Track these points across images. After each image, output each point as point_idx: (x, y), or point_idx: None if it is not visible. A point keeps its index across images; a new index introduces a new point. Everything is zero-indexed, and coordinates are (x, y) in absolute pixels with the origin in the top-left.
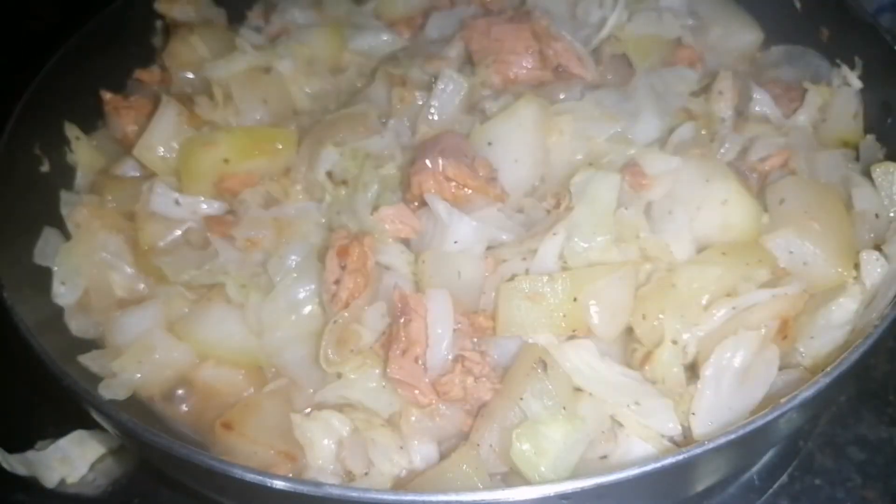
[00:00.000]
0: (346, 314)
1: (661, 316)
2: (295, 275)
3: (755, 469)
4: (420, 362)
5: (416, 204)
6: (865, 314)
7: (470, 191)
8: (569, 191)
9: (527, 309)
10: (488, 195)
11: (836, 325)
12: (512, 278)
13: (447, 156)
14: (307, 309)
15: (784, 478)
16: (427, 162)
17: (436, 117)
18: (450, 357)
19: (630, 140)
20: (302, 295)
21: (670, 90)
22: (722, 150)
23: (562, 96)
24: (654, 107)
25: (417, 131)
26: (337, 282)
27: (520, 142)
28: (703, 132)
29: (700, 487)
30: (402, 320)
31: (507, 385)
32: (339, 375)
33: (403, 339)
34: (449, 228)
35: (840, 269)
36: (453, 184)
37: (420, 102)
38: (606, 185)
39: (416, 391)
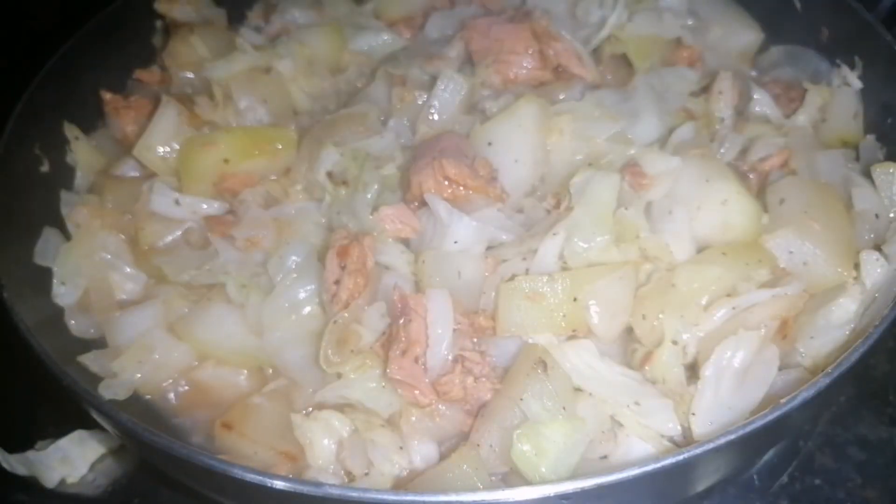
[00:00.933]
0: (346, 314)
1: (661, 316)
2: (295, 275)
3: (755, 469)
4: (420, 362)
5: (416, 204)
6: (866, 314)
7: (470, 191)
8: (569, 191)
9: (527, 309)
10: (488, 195)
11: (836, 325)
12: (512, 278)
13: (447, 156)
14: (307, 309)
15: (784, 478)
16: (427, 162)
17: (436, 117)
18: (450, 357)
19: (630, 140)
20: (302, 295)
21: (670, 90)
22: (722, 150)
23: (562, 96)
24: (654, 107)
25: (417, 131)
26: (337, 282)
27: (520, 142)
28: (703, 132)
29: (700, 487)
30: (401, 320)
31: (507, 385)
32: (339, 375)
33: (403, 339)
34: (449, 228)
35: (840, 269)
36: (453, 184)
37: (420, 102)
38: (606, 185)
39: (416, 391)
